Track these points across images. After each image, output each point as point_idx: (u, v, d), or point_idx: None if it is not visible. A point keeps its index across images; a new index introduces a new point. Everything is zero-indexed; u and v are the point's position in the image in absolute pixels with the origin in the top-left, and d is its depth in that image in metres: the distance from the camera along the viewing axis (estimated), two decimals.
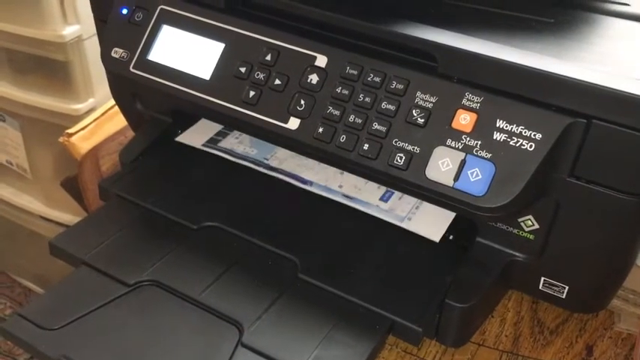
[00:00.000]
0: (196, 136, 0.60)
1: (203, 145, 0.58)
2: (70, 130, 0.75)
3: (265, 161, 0.56)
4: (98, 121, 0.78)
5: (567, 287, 0.50)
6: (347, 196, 0.53)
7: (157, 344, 0.45)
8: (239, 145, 0.58)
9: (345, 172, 0.54)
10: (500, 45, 0.43)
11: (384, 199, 0.53)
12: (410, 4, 0.50)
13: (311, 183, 0.54)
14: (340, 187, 0.54)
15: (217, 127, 0.60)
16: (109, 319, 0.46)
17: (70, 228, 0.52)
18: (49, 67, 0.98)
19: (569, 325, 0.54)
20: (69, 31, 0.92)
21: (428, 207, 0.52)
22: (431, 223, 0.51)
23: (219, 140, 0.59)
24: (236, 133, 0.59)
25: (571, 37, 0.46)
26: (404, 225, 0.51)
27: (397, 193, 0.53)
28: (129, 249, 0.50)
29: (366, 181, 0.54)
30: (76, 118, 0.96)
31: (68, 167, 0.90)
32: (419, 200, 0.52)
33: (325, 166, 0.54)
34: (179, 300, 0.47)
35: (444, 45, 0.44)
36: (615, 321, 0.55)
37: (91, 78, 0.98)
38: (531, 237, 0.48)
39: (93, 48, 0.95)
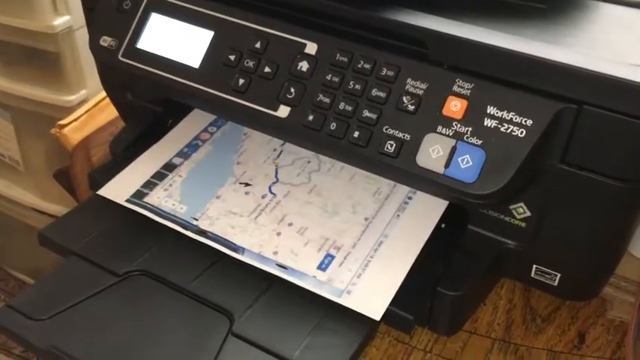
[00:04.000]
0: (121, 188, 0.53)
1: (127, 200, 0.52)
2: (62, 122, 0.75)
3: (194, 222, 0.50)
4: (90, 112, 0.77)
5: (559, 275, 0.49)
6: (281, 266, 0.47)
7: (147, 334, 0.44)
8: (167, 200, 0.52)
9: (282, 234, 0.49)
10: (491, 31, 0.43)
11: (323, 267, 0.47)
12: None
13: (243, 250, 0.48)
14: (275, 253, 0.48)
15: (145, 176, 0.54)
16: (98, 310, 0.45)
17: (60, 218, 0.52)
18: (40, 58, 0.97)
19: (562, 312, 0.54)
20: (59, 21, 0.91)
21: (371, 274, 0.47)
22: (373, 296, 0.46)
23: (146, 194, 0.53)
24: (166, 183, 0.53)
25: (562, 22, 0.45)
26: (342, 301, 0.45)
27: (337, 259, 0.48)
28: (119, 239, 0.50)
29: (306, 242, 0.49)
30: (68, 110, 0.95)
31: (61, 159, 0.89)
32: (361, 266, 0.47)
33: (261, 224, 0.50)
34: (169, 290, 0.47)
35: (435, 31, 0.44)
36: (607, 308, 0.55)
37: (82, 69, 0.97)
38: (523, 224, 0.48)
39: (84, 38, 0.93)
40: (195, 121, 0.60)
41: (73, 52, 0.95)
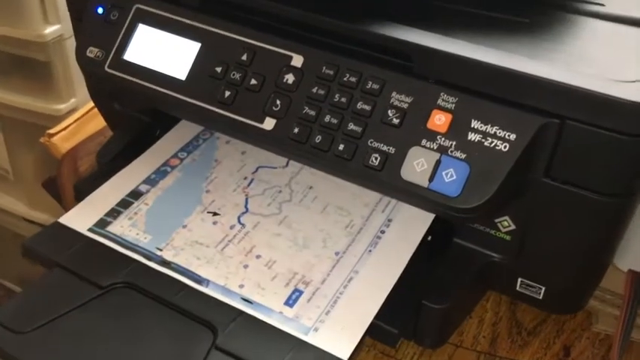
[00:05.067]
0: (83, 216, 0.52)
1: (89, 229, 0.51)
2: (51, 131, 0.75)
3: (158, 252, 0.49)
4: (80, 121, 0.77)
5: (544, 288, 0.50)
6: (247, 300, 0.46)
7: (131, 347, 0.44)
8: (131, 229, 0.50)
9: (249, 266, 0.48)
10: (476, 45, 0.43)
11: (290, 302, 0.46)
12: (387, 4, 0.49)
13: (207, 282, 0.47)
14: (241, 286, 0.47)
15: (110, 203, 0.53)
16: (81, 322, 0.45)
17: (43, 230, 0.51)
18: (30, 67, 0.97)
19: (547, 325, 0.54)
20: (50, 30, 0.92)
21: (339, 311, 0.45)
22: (340, 335, 0.44)
23: (109, 222, 0.51)
24: (130, 211, 0.52)
25: (546, 37, 0.46)
26: (308, 339, 0.44)
27: (305, 294, 0.46)
28: (103, 251, 0.50)
29: (273, 276, 0.48)
30: (57, 119, 0.95)
31: (50, 168, 0.89)
32: (330, 303, 0.46)
33: (228, 255, 0.49)
34: (153, 302, 0.46)
35: (420, 45, 0.44)
36: (593, 322, 0.55)
37: (72, 78, 0.97)
38: (508, 238, 0.48)
39: (74, 48, 0.94)
40: (167, 145, 0.58)
41: (63, 61, 0.95)
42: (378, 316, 0.46)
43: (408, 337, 0.50)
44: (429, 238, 0.51)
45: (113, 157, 0.59)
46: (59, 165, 0.73)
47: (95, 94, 0.63)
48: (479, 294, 0.55)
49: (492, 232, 0.48)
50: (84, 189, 0.55)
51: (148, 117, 0.60)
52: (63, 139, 0.75)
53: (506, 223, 0.48)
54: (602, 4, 0.48)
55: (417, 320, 0.48)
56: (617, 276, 0.52)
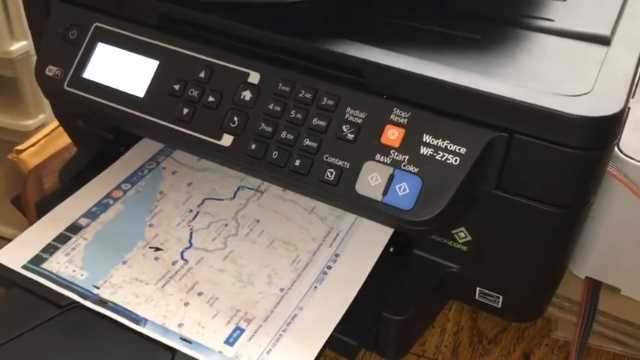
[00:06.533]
0: (18, 252, 0.50)
1: (23, 266, 0.49)
2: (19, 147, 0.74)
3: (95, 290, 0.47)
4: (48, 137, 0.77)
5: (502, 297, 0.50)
6: (185, 340, 0.44)
7: None
8: (68, 266, 0.49)
9: (189, 304, 0.47)
10: (427, 61, 0.44)
11: (230, 341, 0.44)
12: (341, 22, 0.50)
13: (145, 322, 0.45)
14: (180, 325, 0.45)
15: (47, 238, 0.51)
16: (40, 342, 0.45)
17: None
18: None
19: (508, 333, 0.55)
20: (16, 46, 0.91)
21: (282, 349, 0.44)
22: None
23: (45, 259, 0.49)
24: (68, 247, 0.50)
25: (496, 53, 0.47)
26: None
27: (247, 332, 0.45)
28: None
29: (215, 313, 0.46)
30: (26, 135, 0.94)
31: (19, 184, 0.88)
32: (272, 341, 0.45)
33: (169, 293, 0.47)
34: (111, 322, 0.46)
35: (372, 62, 0.44)
36: (552, 329, 0.56)
37: (40, 94, 0.96)
38: (465, 248, 0.49)
39: None
40: (111, 176, 0.57)
41: (31, 77, 0.94)
42: (337, 328, 0.46)
43: (370, 348, 0.51)
44: (391, 249, 0.52)
45: (75, 174, 0.59)
46: (24, 182, 0.72)
47: (58, 112, 0.63)
48: (440, 304, 0.55)
49: (450, 243, 0.49)
50: (46, 207, 0.55)
51: (110, 134, 0.61)
52: (32, 155, 0.75)
53: (462, 234, 0.48)
54: (552, 20, 0.49)
55: (378, 332, 0.49)
56: (575, 284, 0.54)
